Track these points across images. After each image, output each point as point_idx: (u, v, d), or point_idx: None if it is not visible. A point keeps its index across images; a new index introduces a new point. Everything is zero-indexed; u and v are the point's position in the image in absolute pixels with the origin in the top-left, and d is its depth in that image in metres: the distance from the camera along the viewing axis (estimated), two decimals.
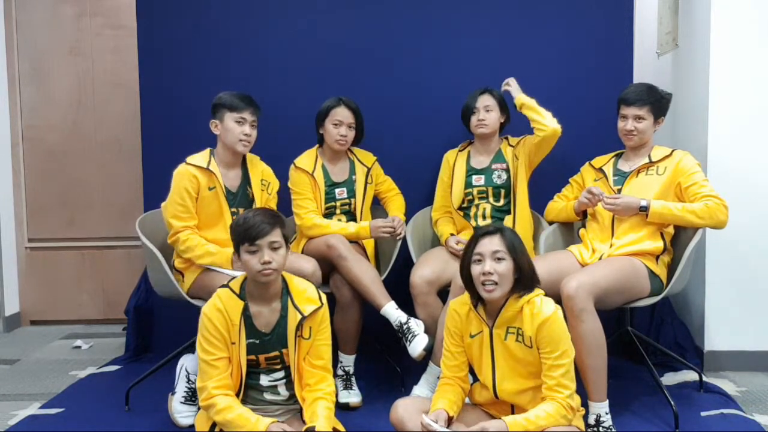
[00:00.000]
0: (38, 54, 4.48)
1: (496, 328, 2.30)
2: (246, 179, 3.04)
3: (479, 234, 2.29)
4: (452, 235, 3.23)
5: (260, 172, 3.09)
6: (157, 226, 3.10)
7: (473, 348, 2.36)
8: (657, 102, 2.95)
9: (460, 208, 3.26)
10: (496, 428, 2.15)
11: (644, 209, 2.83)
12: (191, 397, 2.84)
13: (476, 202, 3.24)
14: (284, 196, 3.24)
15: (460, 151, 3.32)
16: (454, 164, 3.29)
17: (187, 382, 2.86)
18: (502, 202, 3.22)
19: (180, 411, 2.83)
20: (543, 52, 3.61)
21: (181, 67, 3.68)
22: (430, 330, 2.89)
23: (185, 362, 2.91)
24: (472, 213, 3.25)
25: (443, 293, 3.01)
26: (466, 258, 2.29)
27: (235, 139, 2.94)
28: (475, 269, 2.26)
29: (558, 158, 3.39)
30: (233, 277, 2.46)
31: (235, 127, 2.93)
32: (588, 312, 2.56)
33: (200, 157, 2.97)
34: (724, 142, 3.39)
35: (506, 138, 3.29)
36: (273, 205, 3.09)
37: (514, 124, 3.29)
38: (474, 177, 3.24)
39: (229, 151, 2.98)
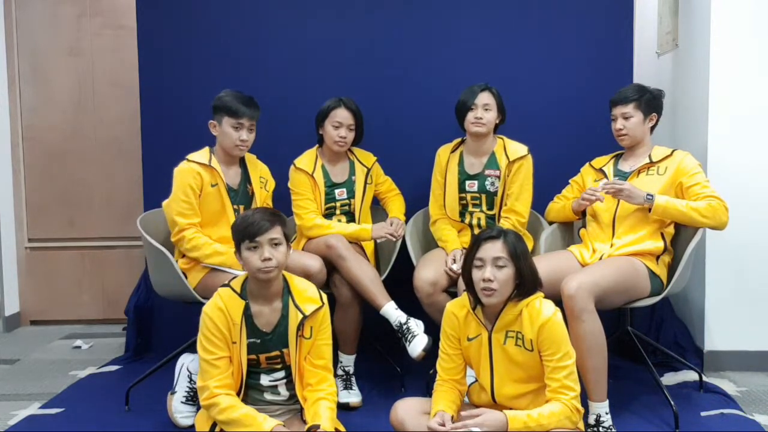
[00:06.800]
0: (38, 54, 4.48)
1: (494, 332, 2.28)
2: (246, 176, 3.07)
3: (482, 238, 2.26)
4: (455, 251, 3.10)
5: (259, 170, 3.13)
6: (158, 224, 3.10)
7: (471, 351, 2.34)
8: (643, 98, 2.95)
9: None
10: (494, 421, 2.13)
11: (650, 198, 2.82)
12: (192, 397, 2.83)
13: (470, 209, 3.20)
14: (282, 195, 3.24)
15: (452, 151, 3.24)
16: (446, 166, 3.22)
17: (189, 382, 2.85)
18: (495, 210, 3.18)
19: (181, 411, 2.83)
20: (543, 52, 3.61)
21: (181, 67, 3.68)
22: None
23: (186, 361, 2.91)
24: (467, 221, 3.21)
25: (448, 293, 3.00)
26: (467, 261, 2.28)
27: (231, 144, 2.95)
28: (476, 274, 2.24)
29: (558, 159, 3.40)
30: (234, 277, 2.46)
31: (232, 132, 2.94)
32: (588, 312, 2.55)
33: (201, 155, 2.98)
34: (724, 142, 3.39)
35: (501, 138, 3.21)
36: (269, 203, 3.10)
37: (507, 123, 3.22)
38: (467, 182, 3.19)
39: (227, 152, 3.00)
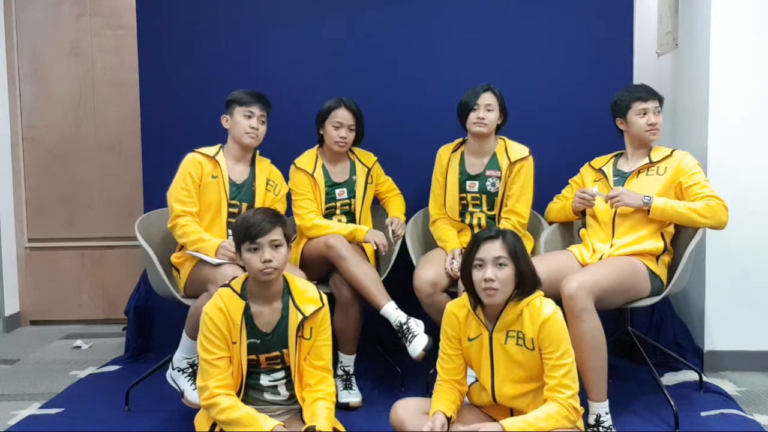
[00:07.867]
0: (38, 54, 4.48)
1: (495, 332, 2.28)
2: (253, 175, 3.09)
3: (481, 238, 2.26)
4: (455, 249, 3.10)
5: (268, 172, 3.13)
6: (158, 226, 3.11)
7: (472, 351, 2.34)
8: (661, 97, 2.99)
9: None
10: (491, 430, 2.14)
11: (648, 202, 2.82)
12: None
13: (470, 209, 3.20)
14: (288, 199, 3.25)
15: (453, 151, 3.23)
16: (447, 166, 3.22)
17: (183, 373, 2.82)
18: (495, 210, 3.18)
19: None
20: (543, 52, 3.61)
21: (181, 67, 3.68)
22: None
23: (170, 371, 2.87)
24: (467, 221, 3.21)
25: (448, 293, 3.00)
26: (467, 262, 2.28)
27: (242, 132, 3.00)
28: (477, 275, 2.23)
29: (558, 159, 3.40)
30: (233, 277, 2.46)
31: (243, 121, 3.00)
32: (588, 312, 2.55)
33: (210, 149, 3.04)
34: (724, 142, 3.39)
35: (503, 139, 3.22)
36: (280, 207, 3.08)
37: (507, 123, 3.22)
38: (468, 183, 3.19)
39: (238, 144, 3.04)
